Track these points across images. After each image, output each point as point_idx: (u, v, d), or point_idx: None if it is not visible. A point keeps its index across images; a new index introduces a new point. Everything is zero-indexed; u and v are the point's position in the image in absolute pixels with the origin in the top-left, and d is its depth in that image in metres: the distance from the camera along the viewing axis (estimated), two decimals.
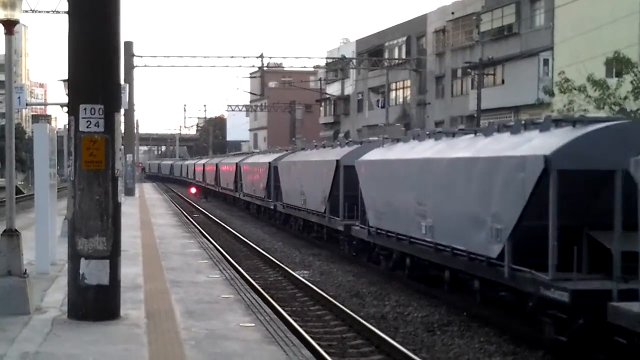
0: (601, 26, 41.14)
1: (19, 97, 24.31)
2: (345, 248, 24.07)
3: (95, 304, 10.55)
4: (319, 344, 12.50)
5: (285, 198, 32.50)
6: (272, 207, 35.94)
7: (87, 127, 10.49)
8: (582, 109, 32.75)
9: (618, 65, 33.98)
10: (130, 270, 15.16)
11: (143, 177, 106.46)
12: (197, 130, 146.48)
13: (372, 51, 70.06)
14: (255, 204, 41.58)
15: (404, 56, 65.87)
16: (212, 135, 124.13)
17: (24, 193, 51.98)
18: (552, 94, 38.52)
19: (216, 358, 9.11)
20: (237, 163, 48.42)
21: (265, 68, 67.36)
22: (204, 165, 71.68)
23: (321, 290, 18.03)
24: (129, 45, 52.12)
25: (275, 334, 10.48)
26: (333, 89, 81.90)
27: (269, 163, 36.76)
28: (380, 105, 70.98)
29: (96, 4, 10.65)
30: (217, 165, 60.04)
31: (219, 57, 60.22)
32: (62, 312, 11.13)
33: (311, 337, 12.96)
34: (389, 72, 65.70)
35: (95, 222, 10.51)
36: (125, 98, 33.36)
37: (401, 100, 67.93)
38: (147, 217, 33.06)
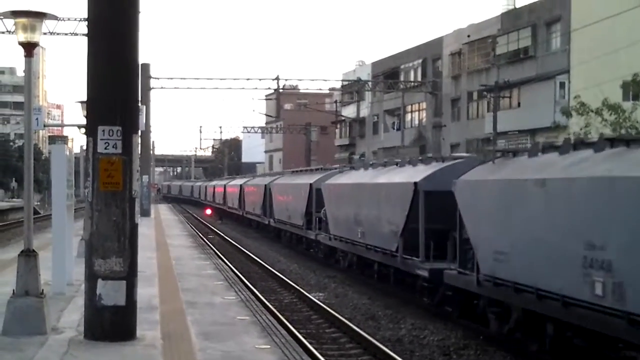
0: (618, 49, 41.10)
1: (37, 119, 24.45)
2: None
3: (111, 324, 10.55)
4: None
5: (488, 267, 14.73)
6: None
7: (105, 148, 10.54)
8: (598, 132, 32.66)
9: (635, 88, 33.91)
10: (146, 291, 15.17)
11: (159, 198, 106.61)
12: (213, 152, 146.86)
13: (387, 73, 70.18)
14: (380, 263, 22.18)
15: (419, 79, 65.93)
16: (227, 157, 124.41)
17: (40, 213, 52.23)
18: (569, 115, 38.44)
19: None
20: (311, 184, 31.13)
21: (280, 90, 67.54)
22: (240, 187, 54.00)
23: (336, 312, 17.98)
24: (145, 67, 52.39)
25: (291, 356, 10.45)
26: (348, 111, 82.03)
27: (415, 183, 19.02)
28: (395, 128, 70.99)
29: (115, 26, 10.73)
30: (267, 186, 41.95)
31: (235, 79, 60.98)
32: (79, 332, 11.15)
33: None
34: (405, 94, 65.74)
35: (112, 243, 10.54)
36: (142, 119, 33.58)
37: (417, 122, 67.94)
38: (162, 238, 33.11)
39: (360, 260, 24.10)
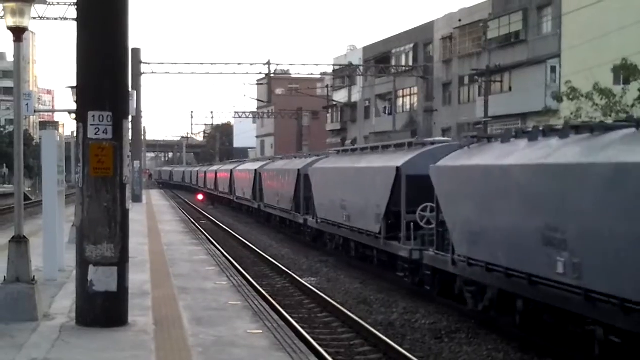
0: (609, 33, 41.10)
1: (27, 104, 24.40)
2: None
3: (103, 310, 10.56)
4: (326, 351, 12.49)
5: None
6: None
7: (96, 134, 10.51)
8: (589, 116, 32.73)
9: (625, 72, 33.94)
10: (138, 277, 15.17)
11: (150, 184, 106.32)
12: (204, 137, 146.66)
13: (379, 58, 70.10)
14: None
15: (411, 63, 65.86)
16: (219, 142, 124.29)
17: (31, 200, 52.13)
18: (560, 100, 38.48)
19: None
20: (399, 167, 19.96)
21: (272, 75, 67.36)
22: (256, 173, 43.08)
23: (328, 297, 18.02)
24: (136, 52, 52.23)
25: (283, 341, 10.48)
26: (340, 96, 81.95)
27: None
28: (387, 112, 70.98)
29: (105, 11, 10.68)
30: (301, 172, 31.59)
31: (226, 64, 60.21)
32: (70, 318, 11.15)
33: (319, 344, 12.96)
34: (396, 79, 65.69)
35: (104, 229, 10.52)
36: (132, 105, 33.45)
37: (408, 107, 67.93)
38: (154, 223, 33.09)
39: (547, 312, 13.00)
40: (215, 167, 70.39)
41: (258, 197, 42.60)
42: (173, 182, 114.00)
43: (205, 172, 74.98)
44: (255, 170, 43.36)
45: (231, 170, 54.74)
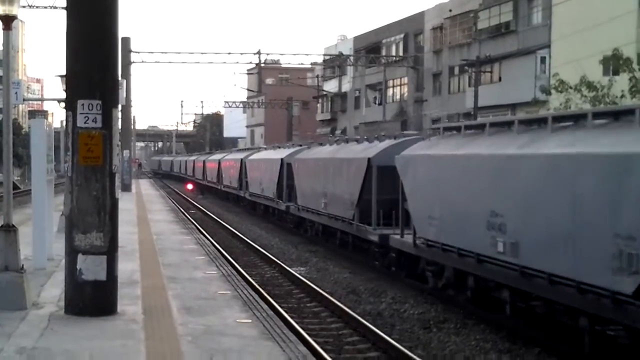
0: (599, 24, 41.16)
1: (16, 93, 24.24)
2: None
3: (92, 299, 10.56)
4: (315, 341, 12.53)
5: None
6: None
7: (85, 122, 10.50)
8: (578, 107, 32.82)
9: (615, 63, 33.99)
10: (127, 266, 15.17)
11: (140, 173, 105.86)
12: (194, 127, 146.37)
13: (369, 48, 70.04)
14: None
15: (401, 53, 65.84)
16: (209, 132, 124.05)
17: (20, 189, 51.98)
18: (548, 93, 38.56)
19: (213, 354, 9.13)
20: None
21: (262, 64, 67.29)
22: (282, 162, 32.84)
23: (318, 286, 18.05)
24: (126, 41, 52.05)
25: (272, 330, 10.51)
26: (330, 86, 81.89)
27: None
28: (377, 103, 70.99)
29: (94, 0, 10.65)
30: (372, 162, 21.04)
31: (216, 53, 60.53)
32: (59, 307, 11.15)
33: (308, 333, 12.99)
34: (386, 69, 65.65)
35: (93, 218, 10.52)
36: (122, 94, 33.35)
37: (398, 97, 67.93)
38: (143, 213, 33.05)
39: None
40: (218, 156, 59.18)
41: (285, 196, 32.40)
42: (173, 173, 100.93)
43: (203, 162, 65.11)
44: (282, 159, 32.98)
45: (242, 160, 44.03)
